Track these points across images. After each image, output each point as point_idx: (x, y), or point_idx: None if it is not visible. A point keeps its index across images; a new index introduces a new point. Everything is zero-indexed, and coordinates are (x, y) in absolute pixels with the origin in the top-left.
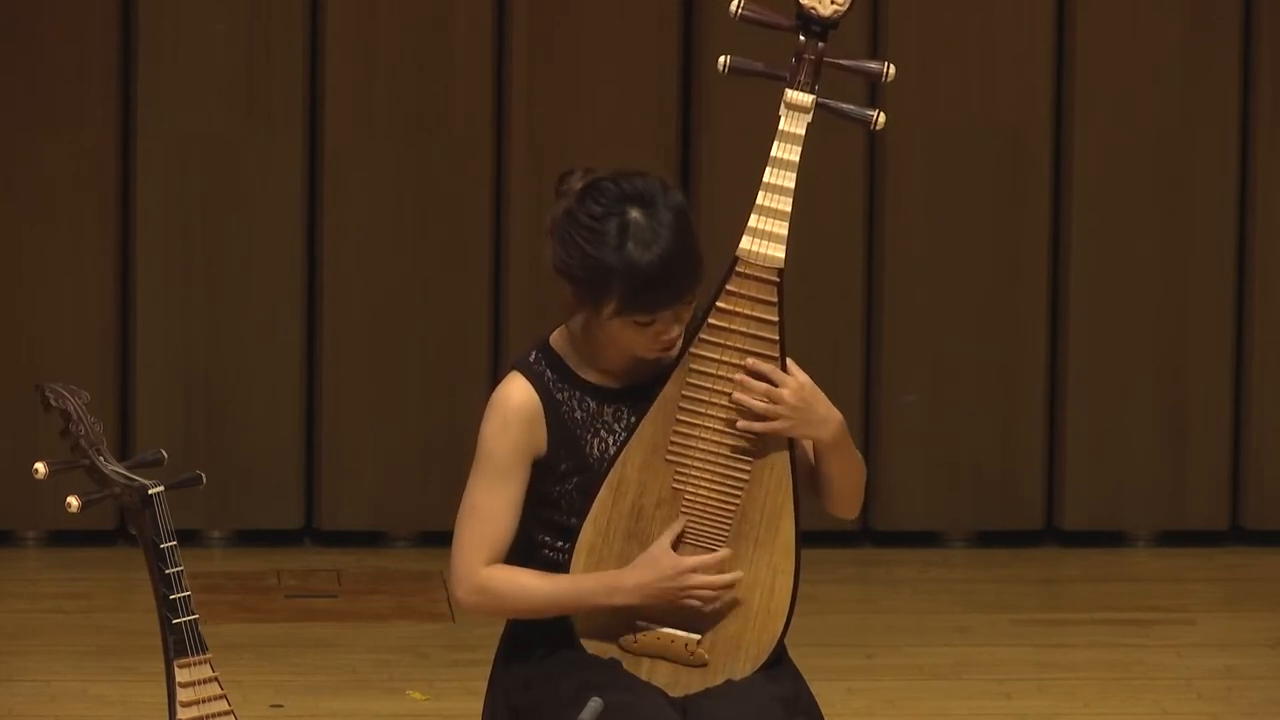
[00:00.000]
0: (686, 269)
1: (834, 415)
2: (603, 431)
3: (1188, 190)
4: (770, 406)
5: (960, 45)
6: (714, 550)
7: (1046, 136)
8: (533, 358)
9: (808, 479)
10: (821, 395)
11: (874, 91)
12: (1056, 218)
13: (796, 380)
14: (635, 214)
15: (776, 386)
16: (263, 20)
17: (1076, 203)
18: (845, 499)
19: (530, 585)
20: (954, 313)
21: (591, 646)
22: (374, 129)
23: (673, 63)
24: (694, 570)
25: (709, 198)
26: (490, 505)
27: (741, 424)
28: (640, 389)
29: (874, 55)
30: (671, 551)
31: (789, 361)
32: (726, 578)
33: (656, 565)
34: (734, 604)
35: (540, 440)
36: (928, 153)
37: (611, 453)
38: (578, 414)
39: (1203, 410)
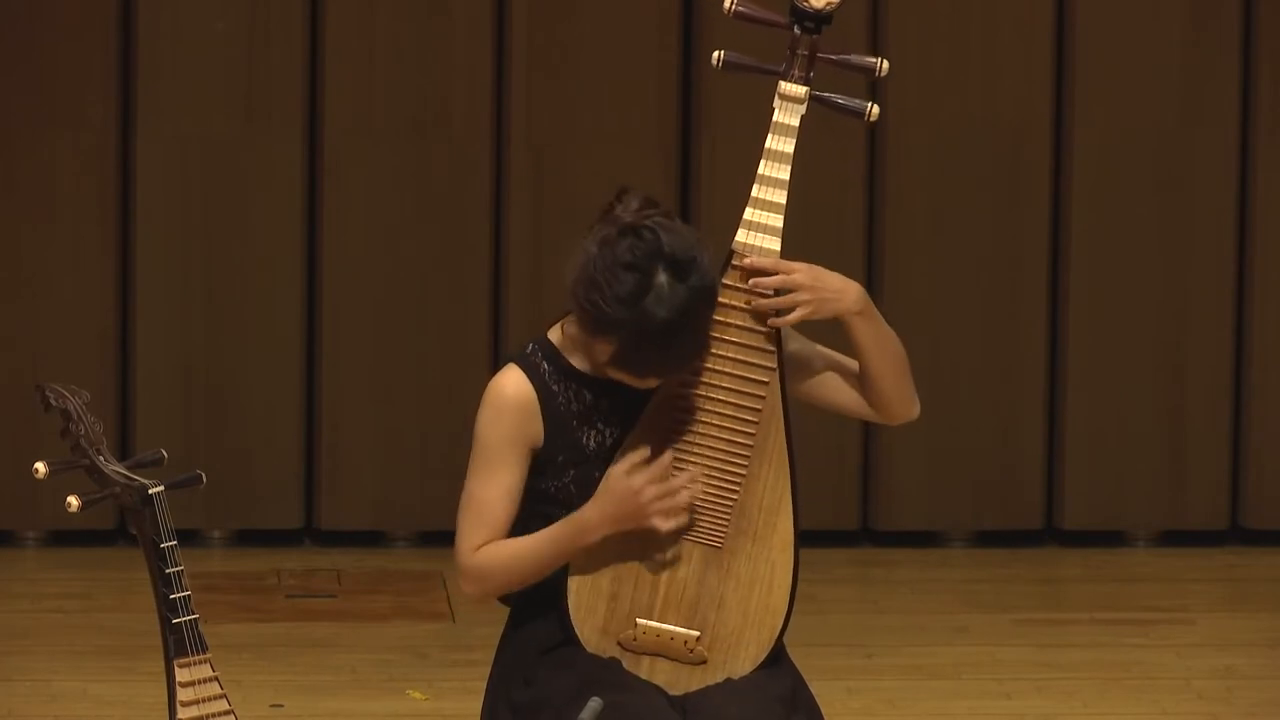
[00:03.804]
0: (687, 349)
1: (850, 284)
2: (599, 423)
3: (1188, 190)
4: (787, 298)
5: (960, 45)
6: (714, 547)
7: (1046, 136)
8: (529, 350)
9: (855, 384)
10: (831, 271)
11: (874, 89)
12: (1056, 218)
13: (801, 263)
14: (661, 278)
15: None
16: (263, 20)
17: (1076, 203)
18: (894, 382)
19: (512, 551)
20: (954, 312)
21: (591, 645)
22: (374, 129)
23: (673, 63)
24: (647, 484)
25: (709, 198)
26: (485, 494)
27: (771, 322)
28: None
29: (874, 54)
30: (623, 475)
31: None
32: (679, 480)
33: (611, 491)
34: (729, 598)
35: (536, 432)
36: (928, 152)
37: (609, 445)
38: (574, 406)
39: (1203, 410)
